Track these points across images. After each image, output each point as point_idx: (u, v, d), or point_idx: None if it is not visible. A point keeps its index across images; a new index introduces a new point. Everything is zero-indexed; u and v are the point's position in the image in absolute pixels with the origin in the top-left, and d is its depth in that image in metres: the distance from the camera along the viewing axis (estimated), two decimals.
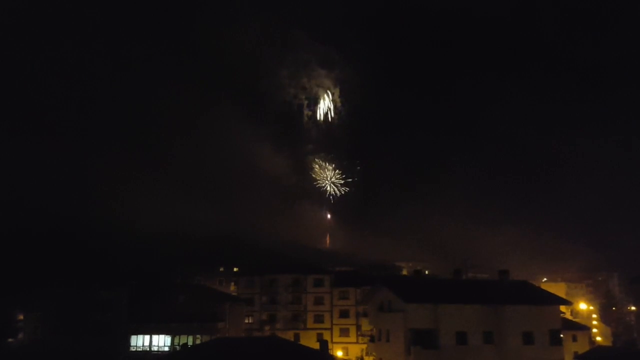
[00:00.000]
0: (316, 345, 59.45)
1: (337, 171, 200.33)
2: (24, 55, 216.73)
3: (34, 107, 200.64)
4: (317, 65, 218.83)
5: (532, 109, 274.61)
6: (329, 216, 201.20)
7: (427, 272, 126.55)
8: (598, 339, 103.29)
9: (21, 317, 77.45)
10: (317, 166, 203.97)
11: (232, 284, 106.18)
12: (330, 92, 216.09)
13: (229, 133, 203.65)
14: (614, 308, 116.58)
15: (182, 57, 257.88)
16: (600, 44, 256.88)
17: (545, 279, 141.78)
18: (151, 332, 68.06)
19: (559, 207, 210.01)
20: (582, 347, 66.98)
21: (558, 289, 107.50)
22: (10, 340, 76.19)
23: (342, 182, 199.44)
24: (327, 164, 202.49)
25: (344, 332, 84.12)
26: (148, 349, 67.54)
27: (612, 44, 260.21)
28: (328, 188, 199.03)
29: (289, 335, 76.82)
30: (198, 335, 66.44)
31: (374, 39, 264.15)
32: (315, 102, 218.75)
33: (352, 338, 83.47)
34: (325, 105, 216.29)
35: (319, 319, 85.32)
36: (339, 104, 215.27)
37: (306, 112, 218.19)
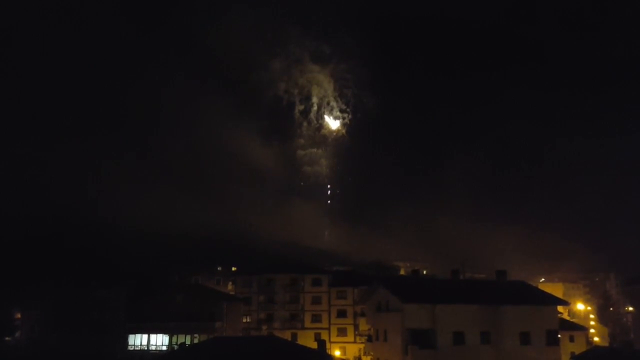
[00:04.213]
0: (314, 345, 59.36)
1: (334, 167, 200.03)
2: (24, 55, 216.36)
3: (31, 107, 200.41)
4: (309, 60, 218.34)
5: (533, 108, 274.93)
6: (326, 215, 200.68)
7: (424, 272, 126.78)
8: (595, 339, 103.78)
9: (19, 315, 77.44)
10: (315, 164, 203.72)
11: (230, 283, 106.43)
12: (324, 88, 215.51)
13: (223, 131, 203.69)
14: (611, 309, 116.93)
15: (173, 53, 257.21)
16: (601, 42, 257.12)
17: (542, 279, 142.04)
18: (149, 331, 68.05)
19: (557, 208, 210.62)
20: (579, 348, 67.20)
21: (555, 289, 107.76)
22: (7, 339, 76.17)
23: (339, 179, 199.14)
24: (323, 160, 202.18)
25: (342, 332, 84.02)
26: (146, 348, 67.51)
27: (613, 41, 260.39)
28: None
29: (287, 335, 76.76)
30: (196, 335, 66.41)
31: (369, 35, 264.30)
32: (308, 98, 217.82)
33: (350, 338, 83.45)
34: (318, 101, 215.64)
35: (316, 318, 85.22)
36: (332, 101, 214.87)
37: (299, 107, 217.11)
